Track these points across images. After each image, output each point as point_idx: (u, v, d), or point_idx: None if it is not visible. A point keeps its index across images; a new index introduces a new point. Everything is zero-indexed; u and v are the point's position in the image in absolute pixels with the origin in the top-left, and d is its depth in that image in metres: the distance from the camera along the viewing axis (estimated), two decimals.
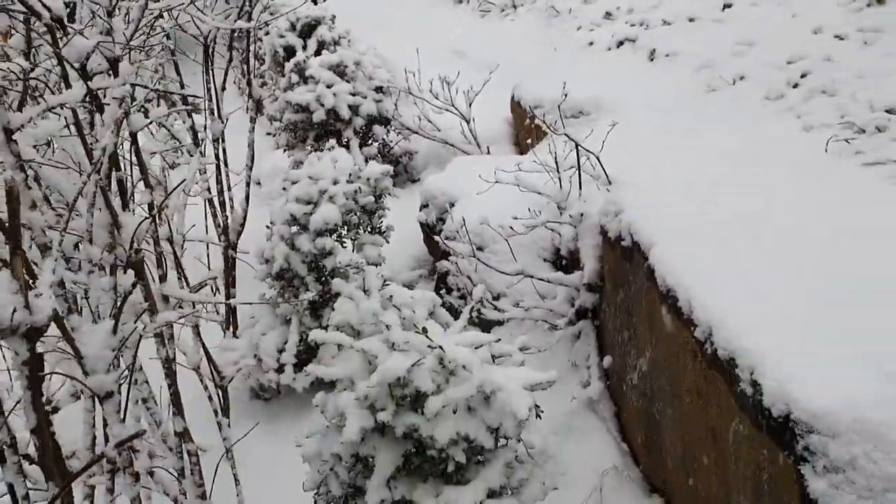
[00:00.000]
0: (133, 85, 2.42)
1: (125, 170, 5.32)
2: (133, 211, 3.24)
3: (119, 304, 2.57)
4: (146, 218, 2.75)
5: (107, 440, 2.99)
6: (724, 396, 3.19)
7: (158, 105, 7.41)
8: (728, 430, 3.19)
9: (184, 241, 4.42)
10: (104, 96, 2.59)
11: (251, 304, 4.72)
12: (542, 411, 3.21)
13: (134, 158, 4.12)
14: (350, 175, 5.28)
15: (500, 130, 7.89)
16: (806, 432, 2.65)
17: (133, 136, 3.11)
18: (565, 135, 4.71)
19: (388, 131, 8.23)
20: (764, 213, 3.92)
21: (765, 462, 2.91)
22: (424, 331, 3.02)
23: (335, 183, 5.25)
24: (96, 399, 2.63)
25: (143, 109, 6.64)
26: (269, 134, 9.84)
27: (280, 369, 5.49)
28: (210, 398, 4.23)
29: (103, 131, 2.46)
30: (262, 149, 9.28)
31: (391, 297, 3.17)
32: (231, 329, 6.02)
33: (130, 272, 2.85)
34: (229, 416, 5.06)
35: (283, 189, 5.43)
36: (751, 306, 3.24)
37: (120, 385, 2.93)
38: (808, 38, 6.41)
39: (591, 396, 4.62)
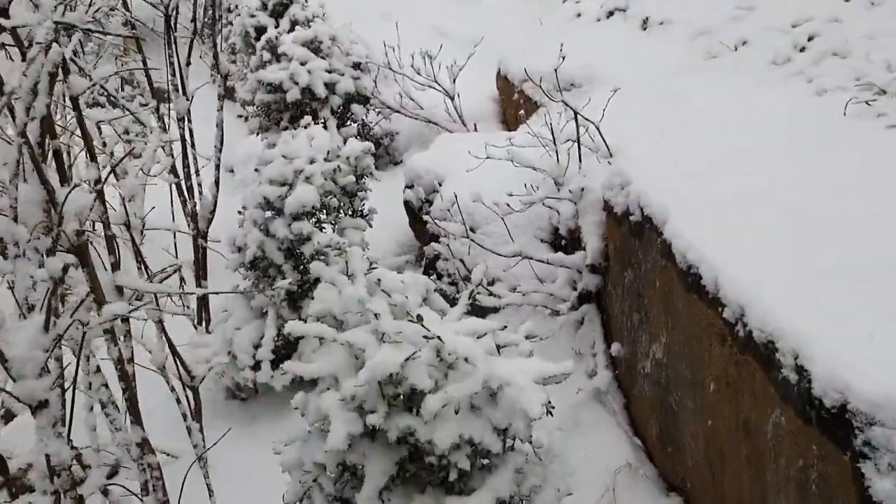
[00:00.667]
0: (57, 24, 1.98)
1: (74, 155, 4.85)
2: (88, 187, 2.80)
3: (49, 293, 2.13)
4: (76, 184, 2.30)
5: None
6: (760, 384, 2.81)
7: (122, 89, 6.95)
8: (766, 422, 2.81)
9: (143, 226, 3.97)
10: (27, 45, 2.14)
11: (221, 293, 4.28)
12: (553, 407, 2.81)
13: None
14: (328, 153, 4.84)
15: (487, 108, 7.47)
16: (866, 424, 2.28)
17: (74, 101, 2.66)
18: (563, 101, 4.31)
19: (368, 111, 7.77)
20: (768, 192, 3.54)
21: (814, 459, 2.53)
22: (419, 319, 2.60)
23: (312, 162, 4.81)
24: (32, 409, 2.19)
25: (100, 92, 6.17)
26: (240, 117, 9.35)
27: (256, 367, 5.05)
28: (178, 401, 3.79)
29: (24, 80, 2.01)
30: (235, 133, 8.81)
31: (379, 281, 2.75)
32: (203, 324, 5.57)
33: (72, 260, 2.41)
34: (201, 420, 4.62)
35: (256, 171, 4.98)
36: (782, 284, 2.86)
37: (65, 391, 2.49)
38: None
39: (599, 387, 4.23)
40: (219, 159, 5.45)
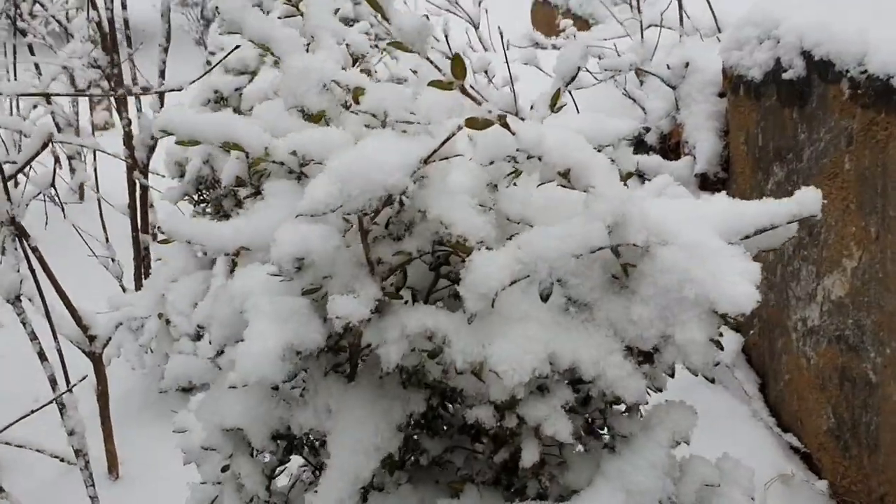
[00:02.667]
0: None
1: None
2: None
3: None
4: None
5: None
6: None
7: None
8: None
9: None
10: None
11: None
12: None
13: None
14: None
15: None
16: None
17: None
18: None
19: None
20: None
21: None
22: (459, 67, 1.10)
23: None
24: None
25: None
26: None
27: (199, 336, 3.52)
28: (43, 357, 2.29)
29: None
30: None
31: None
32: (136, 282, 4.10)
33: None
34: (108, 405, 3.10)
35: (210, 54, 3.53)
36: None
37: None
38: None
39: (720, 360, 2.69)
40: (165, 51, 4.00)
